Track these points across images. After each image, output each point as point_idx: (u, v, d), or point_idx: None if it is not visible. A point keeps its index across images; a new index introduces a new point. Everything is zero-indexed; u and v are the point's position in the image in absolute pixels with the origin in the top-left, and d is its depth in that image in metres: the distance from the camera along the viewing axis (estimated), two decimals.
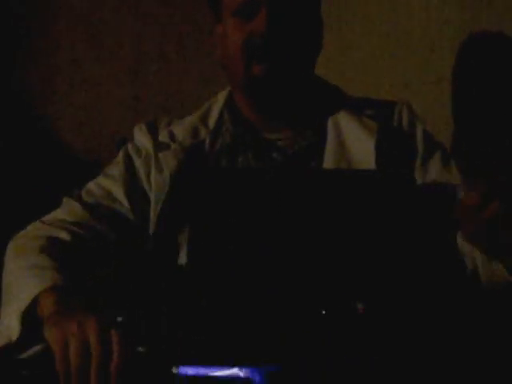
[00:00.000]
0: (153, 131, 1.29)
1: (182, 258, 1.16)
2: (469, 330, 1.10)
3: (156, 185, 1.23)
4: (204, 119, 1.30)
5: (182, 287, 1.10)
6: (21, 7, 2.19)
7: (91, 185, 1.27)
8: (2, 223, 1.82)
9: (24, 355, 1.06)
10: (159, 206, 1.22)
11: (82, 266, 1.14)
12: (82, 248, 1.18)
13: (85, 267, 1.14)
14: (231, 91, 1.32)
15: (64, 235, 1.15)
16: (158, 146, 1.26)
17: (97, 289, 1.12)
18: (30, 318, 1.05)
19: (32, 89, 2.20)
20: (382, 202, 1.03)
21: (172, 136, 1.28)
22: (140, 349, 1.09)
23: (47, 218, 1.23)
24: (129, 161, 1.27)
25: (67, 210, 1.23)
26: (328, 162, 1.20)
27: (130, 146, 1.29)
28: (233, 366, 0.88)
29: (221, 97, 1.32)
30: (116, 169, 1.27)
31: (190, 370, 0.87)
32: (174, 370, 0.87)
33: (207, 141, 1.26)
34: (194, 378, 0.87)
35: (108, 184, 1.25)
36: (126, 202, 1.24)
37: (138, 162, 1.27)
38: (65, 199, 1.25)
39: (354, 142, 1.20)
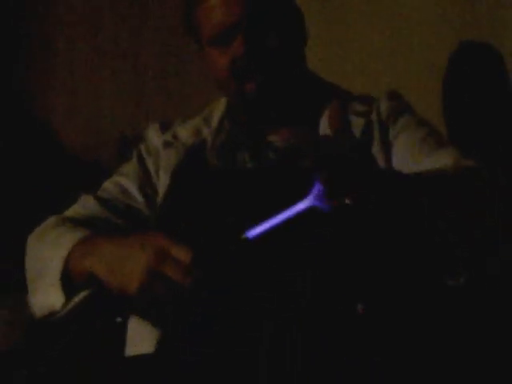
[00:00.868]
0: (164, 130, 1.31)
1: None
2: (468, 330, 1.11)
3: (162, 182, 1.25)
4: (207, 120, 1.32)
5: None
6: (20, 7, 2.19)
7: (106, 183, 1.30)
8: (2, 223, 1.82)
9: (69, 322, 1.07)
10: (158, 203, 1.24)
11: None
12: None
13: None
14: None
15: (80, 228, 1.16)
16: (164, 145, 1.27)
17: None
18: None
19: (32, 89, 2.21)
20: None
21: (175, 136, 1.30)
22: (118, 319, 1.10)
23: (64, 213, 1.25)
24: (141, 160, 1.31)
25: (83, 205, 1.26)
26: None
27: (142, 146, 1.33)
28: None
29: (224, 98, 1.34)
30: (130, 167, 1.31)
31: (256, 230, 0.87)
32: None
33: (209, 140, 1.27)
34: (265, 235, 0.87)
35: (123, 181, 1.28)
36: (140, 198, 1.26)
37: (149, 161, 1.30)
38: (81, 196, 1.28)
39: None
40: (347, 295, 1.05)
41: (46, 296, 1.11)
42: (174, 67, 2.29)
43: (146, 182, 1.27)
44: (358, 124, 1.22)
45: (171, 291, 0.94)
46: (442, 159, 1.12)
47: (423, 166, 1.11)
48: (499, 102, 1.51)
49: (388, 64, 1.80)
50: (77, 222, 1.20)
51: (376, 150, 1.20)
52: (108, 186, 1.28)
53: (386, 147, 1.21)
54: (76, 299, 1.10)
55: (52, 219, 1.23)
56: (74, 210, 1.25)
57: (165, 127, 1.33)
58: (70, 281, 1.09)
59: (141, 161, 1.30)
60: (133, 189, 1.26)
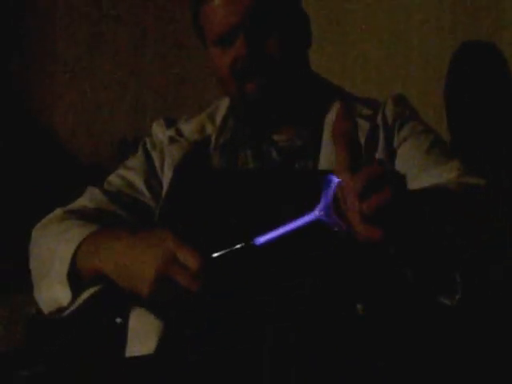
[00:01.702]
0: (168, 126, 1.32)
1: None
2: (467, 332, 1.11)
3: (166, 177, 1.26)
4: (211, 117, 1.32)
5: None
6: (20, 8, 2.19)
7: (112, 176, 1.30)
8: (2, 224, 1.82)
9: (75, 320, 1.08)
10: (161, 199, 1.24)
11: None
12: None
13: None
14: None
15: (87, 223, 1.16)
16: (169, 140, 1.29)
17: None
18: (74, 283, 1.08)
19: (32, 89, 2.21)
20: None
21: (179, 132, 1.31)
22: (118, 320, 1.10)
23: (69, 205, 1.25)
24: (147, 154, 1.31)
25: (89, 198, 1.26)
26: (322, 163, 1.20)
27: (148, 141, 1.33)
28: None
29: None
30: (136, 161, 1.31)
31: (265, 238, 0.87)
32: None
33: (213, 137, 1.28)
34: (272, 242, 0.87)
35: (129, 175, 1.28)
36: (146, 192, 1.26)
37: (154, 155, 1.30)
38: (87, 188, 1.28)
39: None
40: (347, 296, 1.05)
41: (53, 292, 1.11)
42: (174, 70, 2.29)
43: (151, 177, 1.28)
44: (363, 127, 1.21)
45: (179, 295, 0.95)
46: (446, 173, 1.12)
47: (426, 179, 1.11)
48: (499, 103, 1.51)
49: (387, 66, 1.80)
50: (83, 216, 1.19)
51: (380, 154, 1.19)
52: (114, 180, 1.28)
53: (390, 153, 1.20)
54: (84, 296, 1.09)
55: (58, 212, 1.23)
56: (79, 203, 1.25)
57: (169, 123, 1.33)
58: (76, 277, 1.09)
59: (147, 155, 1.30)
60: (139, 183, 1.27)
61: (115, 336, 1.21)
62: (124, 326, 1.18)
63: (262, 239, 0.87)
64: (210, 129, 1.30)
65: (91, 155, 2.19)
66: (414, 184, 1.05)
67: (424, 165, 1.16)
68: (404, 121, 1.24)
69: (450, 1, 1.62)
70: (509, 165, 1.44)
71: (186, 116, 1.35)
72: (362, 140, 1.18)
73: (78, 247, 1.09)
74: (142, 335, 1.13)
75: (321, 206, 0.83)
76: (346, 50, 1.95)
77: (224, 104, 1.33)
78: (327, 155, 1.19)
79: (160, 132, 1.32)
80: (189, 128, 1.31)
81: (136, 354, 1.13)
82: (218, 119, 1.31)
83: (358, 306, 1.04)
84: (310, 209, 0.84)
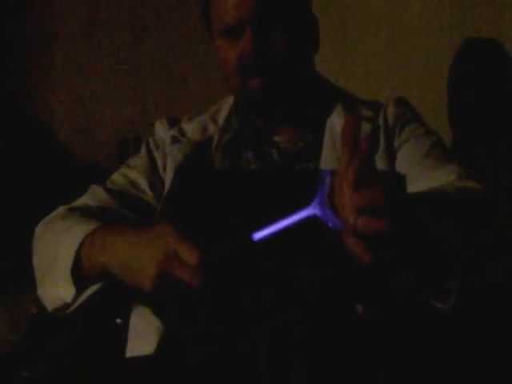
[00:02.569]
0: (171, 126, 1.33)
1: None
2: (467, 332, 1.11)
3: (169, 177, 1.27)
4: (214, 117, 1.33)
5: None
6: (20, 7, 2.19)
7: (114, 175, 1.31)
8: (1, 224, 1.82)
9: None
10: (162, 199, 1.24)
11: None
12: None
13: None
14: None
15: (89, 219, 1.17)
16: (171, 140, 1.30)
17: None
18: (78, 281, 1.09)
19: (31, 89, 2.21)
20: None
21: (182, 132, 1.31)
22: (118, 320, 1.11)
23: (73, 203, 1.26)
24: (150, 153, 1.32)
25: (91, 196, 1.26)
26: (323, 164, 1.20)
27: (151, 140, 1.33)
28: None
29: (232, 97, 1.34)
30: (138, 160, 1.31)
31: (263, 233, 0.88)
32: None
33: (215, 137, 1.28)
34: (271, 237, 0.88)
35: (131, 174, 1.29)
36: (149, 191, 1.27)
37: (157, 155, 1.31)
38: (90, 186, 1.28)
39: None
40: (347, 296, 1.06)
41: (57, 288, 1.11)
42: (174, 69, 2.29)
43: (154, 176, 1.28)
44: (364, 129, 1.21)
45: (180, 290, 0.95)
46: (444, 176, 1.12)
47: (424, 182, 1.11)
48: (500, 104, 1.51)
49: (388, 68, 1.80)
50: (85, 213, 1.20)
51: (380, 156, 1.20)
52: (117, 178, 1.29)
53: (390, 155, 1.21)
54: (87, 292, 1.10)
55: (61, 209, 1.23)
56: (82, 201, 1.25)
57: (172, 122, 1.33)
58: (80, 273, 1.09)
59: (149, 154, 1.31)
60: (141, 182, 1.27)
61: (115, 336, 1.22)
62: (124, 327, 1.18)
63: (259, 234, 0.88)
64: (212, 129, 1.30)
65: (91, 155, 2.19)
66: (412, 186, 1.05)
67: (423, 167, 1.16)
68: (405, 123, 1.24)
69: (449, 5, 1.62)
70: (509, 165, 1.44)
71: (188, 115, 1.35)
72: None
73: (82, 244, 1.09)
74: (143, 335, 1.13)
75: (316, 202, 0.83)
76: (346, 55, 1.96)
77: (227, 104, 1.33)
78: (328, 157, 1.19)
79: (163, 131, 1.32)
80: (191, 128, 1.31)
81: (136, 354, 1.13)
82: (221, 119, 1.31)
83: (358, 307, 1.05)
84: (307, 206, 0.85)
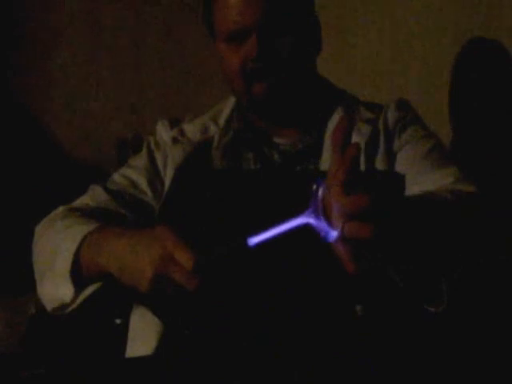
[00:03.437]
0: (173, 124, 1.33)
1: None
2: (466, 332, 1.11)
3: (169, 177, 1.27)
4: (215, 118, 1.32)
5: None
6: (20, 6, 2.19)
7: (115, 175, 1.31)
8: (1, 224, 1.83)
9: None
10: (161, 199, 1.25)
11: None
12: None
13: None
14: None
15: (89, 220, 1.17)
16: (172, 141, 1.30)
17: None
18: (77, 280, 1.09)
19: (31, 89, 2.21)
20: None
21: (182, 133, 1.31)
22: (118, 321, 1.11)
23: (73, 203, 1.26)
24: (151, 154, 1.31)
25: (91, 196, 1.26)
26: (323, 166, 1.21)
27: (152, 141, 1.33)
28: None
29: (233, 97, 1.34)
30: (139, 161, 1.31)
31: (259, 238, 0.88)
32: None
33: (216, 138, 1.28)
34: (265, 243, 0.88)
35: (132, 174, 1.29)
36: (149, 192, 1.27)
37: (157, 155, 1.31)
38: (90, 186, 1.28)
39: None
40: (346, 297, 1.06)
41: (56, 288, 1.11)
42: (174, 70, 2.30)
43: (154, 177, 1.28)
44: (365, 131, 1.21)
45: (177, 292, 0.96)
46: (441, 179, 1.12)
47: (421, 184, 1.11)
48: (500, 105, 1.51)
49: (388, 68, 1.80)
50: (85, 213, 1.20)
51: (380, 158, 1.20)
52: (117, 179, 1.29)
53: (390, 157, 1.20)
54: (86, 292, 1.10)
55: (60, 209, 1.23)
56: (82, 201, 1.25)
57: (174, 124, 1.33)
58: (79, 273, 1.10)
59: (150, 154, 1.31)
60: (142, 182, 1.27)
61: (115, 337, 1.22)
62: (124, 327, 1.19)
63: (254, 240, 0.88)
64: (213, 130, 1.30)
65: (91, 155, 2.19)
66: (409, 189, 1.05)
67: (421, 169, 1.16)
68: (405, 126, 1.24)
69: (450, 8, 1.63)
70: (510, 166, 1.44)
71: (189, 116, 1.35)
72: (363, 144, 1.18)
73: (81, 244, 1.10)
74: (142, 336, 1.14)
75: (309, 210, 0.83)
76: (347, 57, 1.96)
77: (228, 106, 1.33)
78: (328, 159, 1.19)
79: (164, 132, 1.32)
80: (192, 129, 1.31)
81: (136, 354, 1.13)
82: (222, 121, 1.31)
83: (357, 308, 1.05)
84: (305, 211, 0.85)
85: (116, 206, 1.23)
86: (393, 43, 1.80)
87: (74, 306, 1.11)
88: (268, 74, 1.19)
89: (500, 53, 1.49)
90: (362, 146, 1.17)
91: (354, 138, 1.15)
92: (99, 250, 1.07)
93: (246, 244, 0.87)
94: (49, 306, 1.14)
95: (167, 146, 1.29)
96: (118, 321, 1.17)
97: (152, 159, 1.30)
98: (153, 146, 1.32)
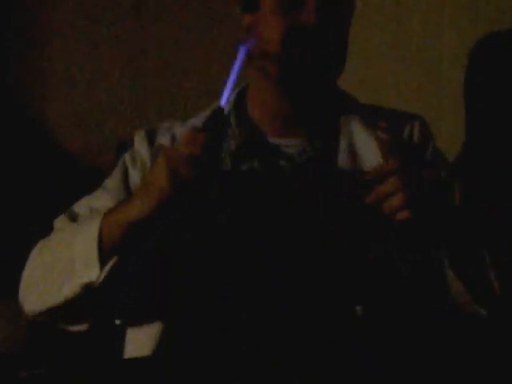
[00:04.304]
0: (151, 138, 1.27)
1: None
2: (464, 334, 1.11)
3: None
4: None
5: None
6: (19, 3, 2.19)
7: (83, 201, 1.27)
8: (2, 225, 1.82)
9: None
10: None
11: None
12: None
13: None
14: (240, 93, 1.30)
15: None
16: (157, 151, 1.22)
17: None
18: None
19: (30, 89, 2.20)
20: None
21: (174, 138, 1.26)
22: (117, 321, 1.11)
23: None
24: (125, 171, 1.27)
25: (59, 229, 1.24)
26: (339, 169, 1.18)
27: (127, 155, 1.29)
28: None
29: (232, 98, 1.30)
30: (112, 183, 1.27)
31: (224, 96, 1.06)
32: None
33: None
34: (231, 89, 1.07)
35: (99, 201, 1.25)
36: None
37: (133, 172, 1.26)
38: (55, 221, 1.25)
39: (366, 155, 1.18)
40: (346, 298, 1.06)
41: (80, 277, 1.09)
42: (174, 71, 2.29)
43: (126, 197, 1.22)
44: (383, 141, 1.19)
45: (195, 168, 1.02)
46: None
47: None
48: (500, 106, 1.51)
49: (388, 69, 1.80)
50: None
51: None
52: (82, 208, 1.25)
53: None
54: (106, 268, 1.09)
55: (41, 242, 1.21)
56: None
57: (152, 134, 1.28)
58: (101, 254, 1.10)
59: (124, 173, 1.27)
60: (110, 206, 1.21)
61: (115, 337, 1.22)
62: (123, 328, 1.19)
63: (223, 99, 1.04)
64: None
65: (90, 155, 2.19)
66: None
67: None
68: (427, 147, 1.24)
69: (451, 8, 1.62)
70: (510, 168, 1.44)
71: (180, 121, 1.30)
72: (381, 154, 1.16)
73: (101, 226, 1.10)
74: (141, 336, 1.14)
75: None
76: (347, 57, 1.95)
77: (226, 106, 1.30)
78: (343, 162, 1.17)
79: (140, 145, 1.27)
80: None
81: (135, 355, 1.13)
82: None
83: (357, 308, 1.05)
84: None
85: None
86: (393, 42, 1.79)
87: (97, 284, 1.09)
88: (319, 44, 1.14)
89: (500, 53, 1.49)
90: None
91: (376, 147, 1.12)
92: (119, 213, 1.09)
93: (221, 109, 1.03)
94: (70, 296, 1.11)
95: (146, 162, 1.24)
96: (117, 321, 1.17)
97: (125, 179, 1.26)
98: (128, 163, 1.27)
